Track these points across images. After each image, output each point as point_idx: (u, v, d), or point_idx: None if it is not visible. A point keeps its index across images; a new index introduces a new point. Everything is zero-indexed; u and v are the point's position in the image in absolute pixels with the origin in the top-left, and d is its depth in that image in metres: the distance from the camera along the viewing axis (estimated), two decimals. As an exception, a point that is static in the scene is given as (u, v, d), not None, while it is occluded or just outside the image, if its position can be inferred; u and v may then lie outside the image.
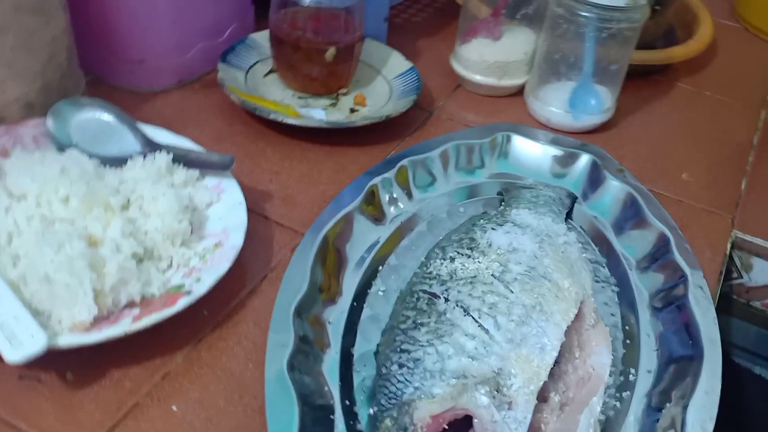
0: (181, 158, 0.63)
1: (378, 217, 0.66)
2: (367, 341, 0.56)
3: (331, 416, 0.49)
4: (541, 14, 0.82)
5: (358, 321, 0.57)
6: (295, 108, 0.78)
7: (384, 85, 0.84)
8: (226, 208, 0.61)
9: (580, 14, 0.76)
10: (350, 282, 0.60)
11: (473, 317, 0.51)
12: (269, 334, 0.52)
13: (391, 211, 0.67)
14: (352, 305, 0.58)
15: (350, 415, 0.50)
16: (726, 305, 0.78)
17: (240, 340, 0.56)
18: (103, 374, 0.52)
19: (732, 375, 0.82)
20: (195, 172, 0.63)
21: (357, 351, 0.55)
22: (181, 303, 0.52)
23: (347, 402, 0.51)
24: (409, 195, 0.69)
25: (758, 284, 0.75)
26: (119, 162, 0.62)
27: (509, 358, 0.49)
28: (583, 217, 0.71)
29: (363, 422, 0.50)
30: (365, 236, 0.64)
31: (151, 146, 0.64)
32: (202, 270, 0.55)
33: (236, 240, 0.57)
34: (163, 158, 0.61)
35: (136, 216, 0.57)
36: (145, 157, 0.62)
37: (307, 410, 0.48)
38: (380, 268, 0.63)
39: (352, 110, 0.81)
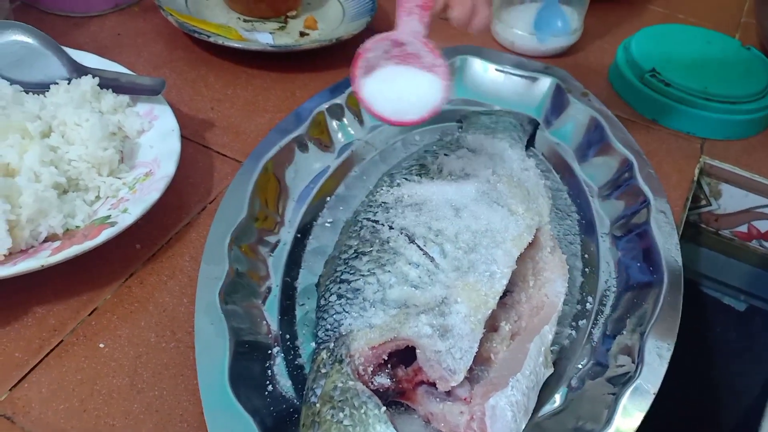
0: (110, 83, 0.58)
1: (326, 144, 0.62)
2: (312, 274, 0.52)
3: (269, 351, 0.46)
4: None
5: (303, 253, 0.54)
6: (239, 32, 0.73)
7: (337, 7, 0.79)
8: (158, 135, 0.57)
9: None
10: (295, 213, 0.57)
11: (418, 245, 0.48)
12: (201, 265, 0.48)
13: (340, 138, 0.63)
14: (296, 237, 0.55)
15: (291, 349, 0.47)
16: (695, 235, 0.75)
17: (174, 274, 0.52)
18: (26, 312, 0.48)
19: (701, 306, 0.80)
20: (125, 98, 0.58)
21: (300, 284, 0.52)
22: (105, 235, 0.48)
23: (288, 336, 0.48)
24: (361, 122, 0.65)
25: (727, 211, 0.72)
26: (43, 88, 0.57)
27: (455, 286, 0.46)
28: (545, 143, 0.67)
29: (305, 356, 0.47)
30: (311, 165, 0.60)
31: (77, 71, 0.59)
32: (130, 200, 0.52)
33: (168, 169, 0.53)
34: (88, 83, 0.57)
35: (58, 143, 0.53)
36: (69, 82, 0.57)
37: (240, 344, 0.45)
38: (328, 199, 0.59)
39: (302, 34, 0.76)
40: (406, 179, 0.54)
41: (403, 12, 0.44)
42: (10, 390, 0.44)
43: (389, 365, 0.43)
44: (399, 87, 0.47)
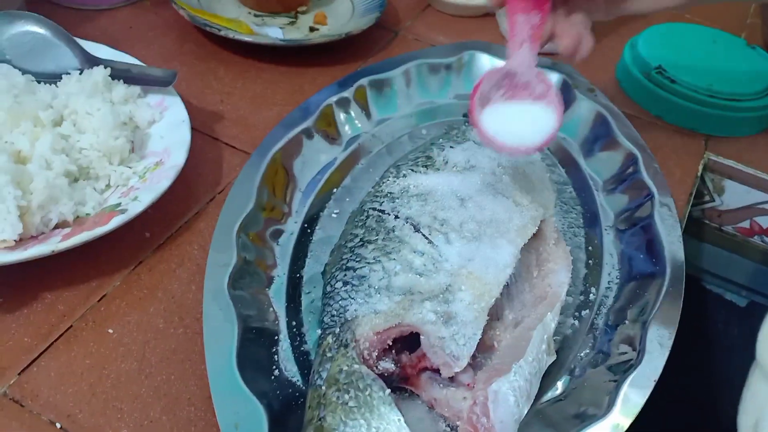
0: (121, 74, 0.59)
1: (333, 136, 0.63)
2: (318, 263, 0.53)
3: (276, 337, 0.47)
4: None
5: (309, 243, 0.55)
6: (249, 26, 0.74)
7: (347, 3, 0.80)
8: (168, 126, 0.58)
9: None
10: (302, 204, 0.57)
11: (423, 234, 0.48)
12: (210, 252, 0.49)
13: (347, 130, 0.64)
14: (303, 227, 0.56)
15: (297, 336, 0.48)
16: (698, 230, 0.76)
17: (183, 262, 0.53)
18: (35, 297, 0.49)
19: (703, 301, 0.81)
20: (136, 89, 0.59)
21: (307, 273, 0.53)
22: (115, 222, 0.49)
23: (294, 323, 0.49)
24: (368, 115, 0.66)
25: (730, 208, 0.73)
26: (55, 78, 0.58)
27: (459, 274, 0.46)
28: (550, 138, 0.68)
29: (310, 343, 0.48)
30: (318, 157, 0.61)
31: (89, 62, 0.60)
32: (140, 189, 0.52)
33: (178, 158, 0.54)
34: (100, 73, 0.58)
35: (70, 132, 0.54)
36: (81, 72, 0.58)
37: (247, 329, 0.45)
38: (335, 190, 0.60)
39: (312, 29, 0.77)
40: (412, 170, 0.55)
41: (514, 44, 0.46)
42: (19, 374, 0.45)
43: (393, 351, 0.44)
44: (515, 119, 0.48)
